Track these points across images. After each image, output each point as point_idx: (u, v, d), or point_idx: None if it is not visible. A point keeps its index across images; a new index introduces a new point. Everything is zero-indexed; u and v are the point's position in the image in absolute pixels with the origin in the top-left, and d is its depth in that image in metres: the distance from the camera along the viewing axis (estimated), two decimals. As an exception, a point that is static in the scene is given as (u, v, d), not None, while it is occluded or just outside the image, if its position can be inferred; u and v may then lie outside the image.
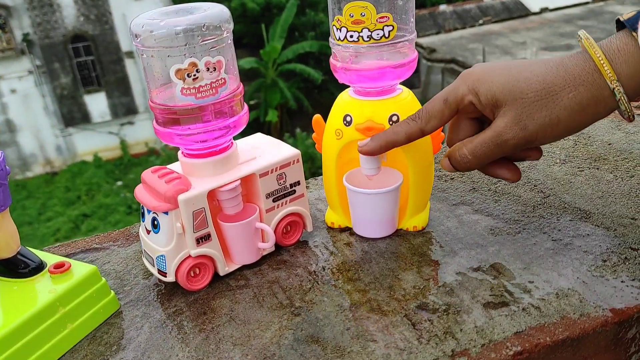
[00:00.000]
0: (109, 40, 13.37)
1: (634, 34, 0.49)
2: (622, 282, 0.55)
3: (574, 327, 0.50)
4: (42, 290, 0.55)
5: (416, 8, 0.63)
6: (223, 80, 0.56)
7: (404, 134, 0.58)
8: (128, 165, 13.25)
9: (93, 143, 13.59)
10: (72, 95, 13.42)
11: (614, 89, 0.50)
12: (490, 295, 0.55)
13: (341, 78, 0.63)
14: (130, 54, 13.57)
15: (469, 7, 13.57)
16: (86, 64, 13.50)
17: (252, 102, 13.16)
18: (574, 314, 0.51)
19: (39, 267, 0.57)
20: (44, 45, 12.98)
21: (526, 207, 0.68)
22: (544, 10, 13.03)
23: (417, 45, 0.63)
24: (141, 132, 13.92)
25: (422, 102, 0.59)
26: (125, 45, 13.48)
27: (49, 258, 0.59)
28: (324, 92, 14.28)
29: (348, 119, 0.63)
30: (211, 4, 0.56)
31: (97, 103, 13.69)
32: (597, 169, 0.75)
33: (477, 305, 0.54)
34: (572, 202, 0.68)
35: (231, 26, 0.56)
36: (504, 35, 11.78)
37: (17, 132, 13.21)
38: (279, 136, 13.16)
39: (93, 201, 11.86)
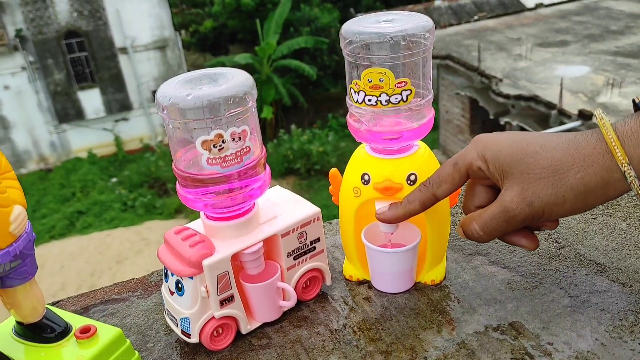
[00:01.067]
0: (103, 36, 13.28)
1: None
2: (639, 344, 0.56)
3: (595, 395, 0.51)
4: (69, 357, 0.55)
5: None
6: (248, 149, 0.56)
7: (418, 202, 0.58)
8: (123, 162, 13.19)
9: (87, 139, 13.51)
10: (65, 91, 13.34)
11: (624, 172, 0.49)
12: (511, 359, 0.56)
13: (358, 137, 0.64)
14: (124, 50, 13.48)
15: (464, 2, 13.55)
16: (80, 60, 13.39)
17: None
18: (594, 380, 0.53)
19: (65, 331, 0.58)
20: (37, 41, 12.88)
21: (542, 259, 0.69)
22: (539, 6, 13.02)
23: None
24: (136, 129, 13.85)
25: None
26: (119, 41, 13.39)
27: (74, 320, 0.60)
28: (318, 88, 14.25)
29: (366, 177, 0.63)
30: (235, 71, 0.57)
31: (91, 99, 13.59)
32: (610, 216, 0.76)
33: (499, 370, 0.55)
34: (587, 254, 0.69)
35: (255, 93, 0.56)
36: (499, 31, 11.77)
37: (10, 129, 13.13)
38: (274, 132, 13.14)
39: (88, 198, 11.80)
